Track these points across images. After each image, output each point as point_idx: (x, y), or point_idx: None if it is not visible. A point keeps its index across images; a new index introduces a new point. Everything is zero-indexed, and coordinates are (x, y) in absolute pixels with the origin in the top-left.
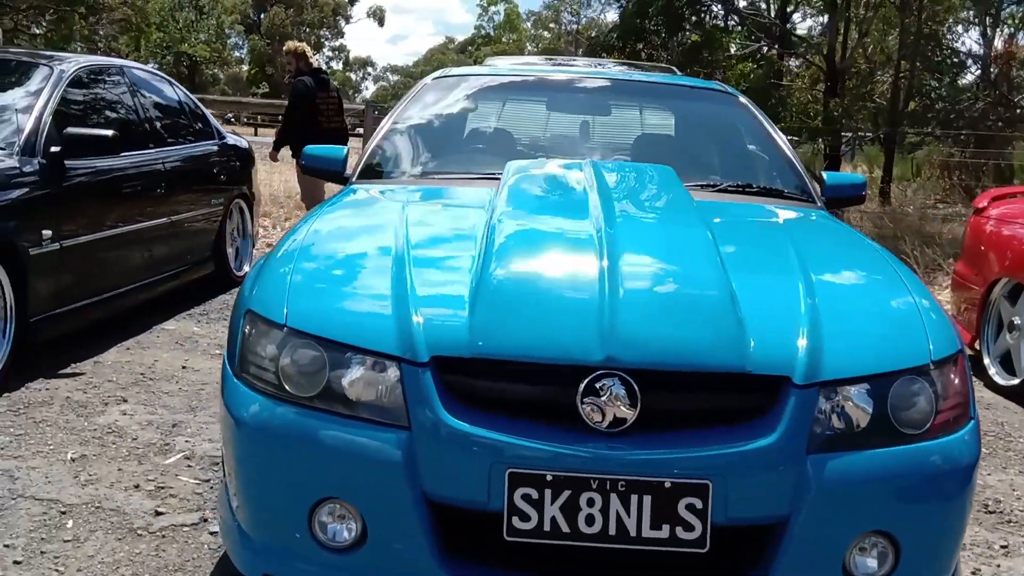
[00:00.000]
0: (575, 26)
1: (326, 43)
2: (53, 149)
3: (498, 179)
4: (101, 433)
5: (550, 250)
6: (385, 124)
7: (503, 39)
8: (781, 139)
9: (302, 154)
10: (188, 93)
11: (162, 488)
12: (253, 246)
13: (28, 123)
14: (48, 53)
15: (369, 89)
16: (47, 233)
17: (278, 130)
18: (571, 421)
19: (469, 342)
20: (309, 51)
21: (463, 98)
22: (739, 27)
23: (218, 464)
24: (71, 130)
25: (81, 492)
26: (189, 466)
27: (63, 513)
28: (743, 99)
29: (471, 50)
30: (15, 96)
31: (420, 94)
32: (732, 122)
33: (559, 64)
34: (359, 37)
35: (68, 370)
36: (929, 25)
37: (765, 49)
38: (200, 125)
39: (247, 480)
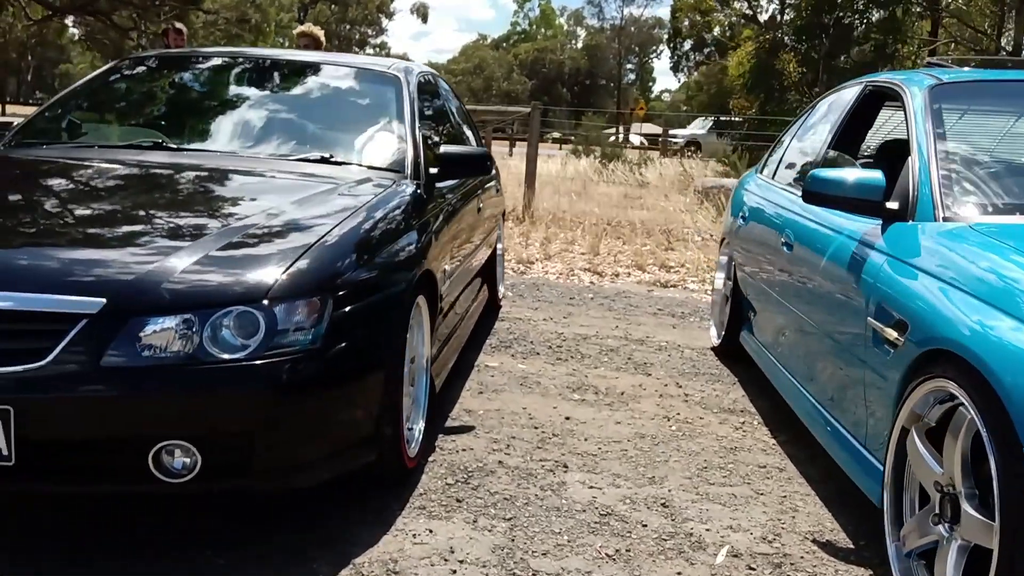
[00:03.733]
0: (615, 22)
1: (369, 40)
2: (431, 171)
3: None
4: (596, 516)
5: None
6: (929, 144)
7: (539, 35)
8: None
9: (810, 179)
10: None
11: None
12: (503, 266)
13: (407, 143)
14: (372, 58)
15: None
16: (447, 268)
17: None
18: None
19: None
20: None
21: (995, 110)
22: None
23: (778, 567)
24: (447, 149)
25: None
26: (751, 568)
27: None
28: None
29: (506, 46)
30: (373, 109)
31: (935, 106)
32: None
33: None
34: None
35: (452, 423)
36: None
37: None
38: (473, 134)
39: None
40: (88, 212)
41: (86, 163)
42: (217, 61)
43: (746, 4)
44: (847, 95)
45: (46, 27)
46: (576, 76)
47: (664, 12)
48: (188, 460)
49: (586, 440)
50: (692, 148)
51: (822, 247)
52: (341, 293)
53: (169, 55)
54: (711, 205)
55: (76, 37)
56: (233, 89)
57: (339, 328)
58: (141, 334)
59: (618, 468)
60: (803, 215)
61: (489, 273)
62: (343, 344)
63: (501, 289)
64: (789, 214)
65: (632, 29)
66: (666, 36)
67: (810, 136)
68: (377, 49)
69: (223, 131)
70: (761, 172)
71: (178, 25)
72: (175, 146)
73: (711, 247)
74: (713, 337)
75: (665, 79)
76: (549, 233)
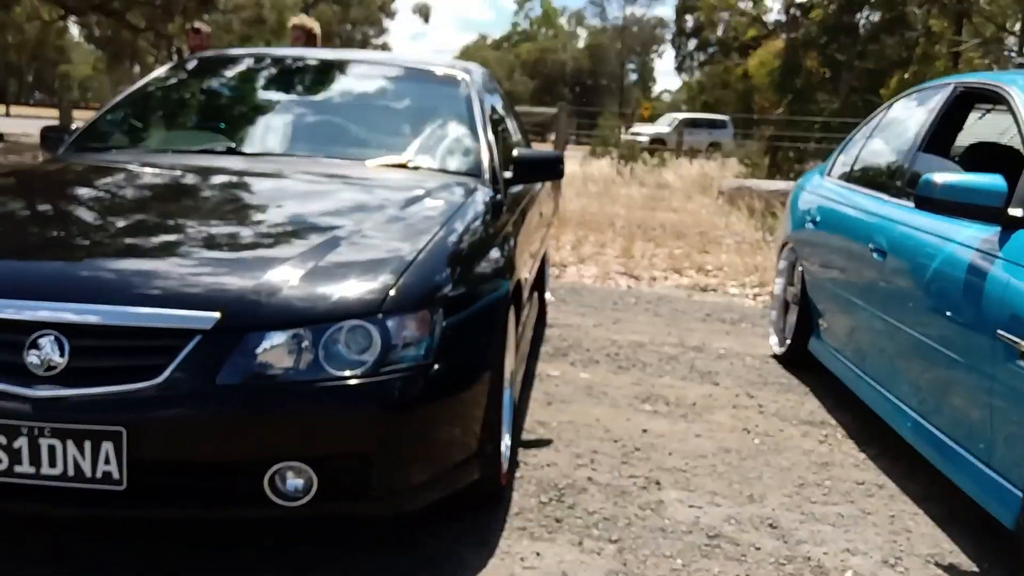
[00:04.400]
0: (617, 22)
1: (371, 40)
2: (506, 175)
3: None
4: (704, 538)
5: None
6: None
7: (539, 35)
8: None
9: (923, 184)
10: None
11: None
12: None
13: (482, 146)
14: (436, 59)
15: None
16: (526, 275)
17: None
18: None
19: None
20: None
21: None
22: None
23: None
24: (521, 152)
25: None
26: None
27: None
28: None
29: (507, 46)
30: (443, 112)
31: None
32: None
33: None
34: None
35: (528, 436)
36: None
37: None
38: (522, 134)
39: None
40: (181, 221)
41: (163, 169)
42: (278, 62)
43: (751, 4)
44: (931, 96)
45: (48, 27)
46: (578, 76)
47: (665, 11)
48: (304, 482)
49: (670, 455)
50: (656, 146)
51: (928, 255)
52: (449, 305)
53: (229, 56)
54: (743, 206)
55: (77, 38)
56: (298, 91)
57: (448, 342)
58: (257, 350)
59: (712, 485)
60: (899, 221)
61: (540, 278)
62: (452, 358)
63: (547, 294)
64: (878, 220)
65: (634, 29)
66: (670, 36)
67: (888, 138)
68: (379, 49)
69: (293, 135)
70: (828, 174)
71: (197, 25)
72: (248, 151)
73: (746, 250)
74: (774, 345)
75: (664, 79)
76: (579, 235)
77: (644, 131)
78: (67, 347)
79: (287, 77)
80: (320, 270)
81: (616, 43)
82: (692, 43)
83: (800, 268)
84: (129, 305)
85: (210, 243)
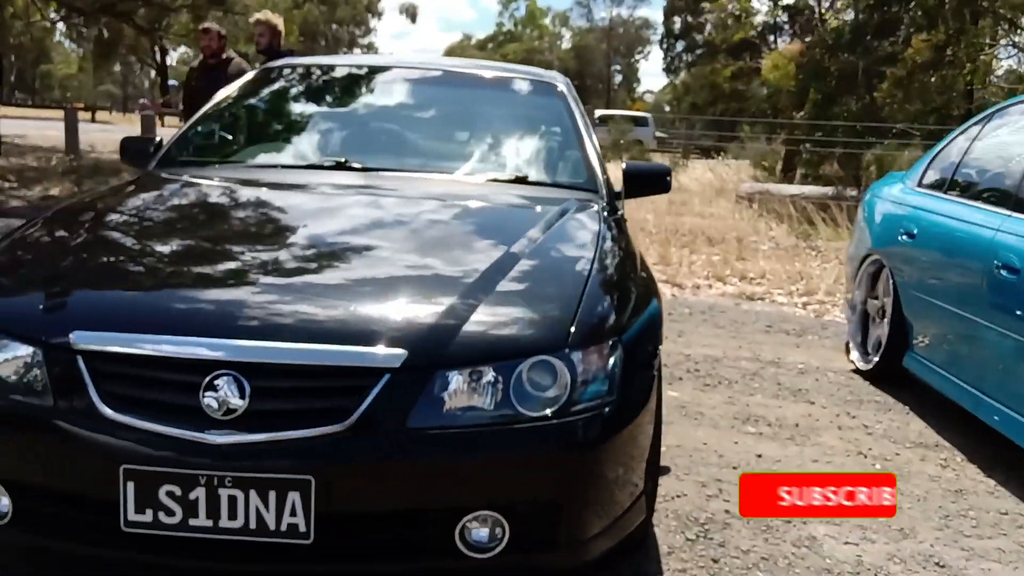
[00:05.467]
0: (603, 23)
1: (358, 41)
2: (616, 189)
3: None
4: None
5: None
6: None
7: (524, 35)
8: None
9: None
10: None
11: None
12: None
13: (593, 159)
14: (527, 67)
15: None
16: None
17: None
18: None
19: None
20: None
21: None
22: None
23: None
24: (632, 165)
25: None
26: None
27: None
28: None
29: (491, 47)
30: (547, 123)
31: None
32: None
33: None
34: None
35: None
36: None
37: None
38: None
39: None
40: (331, 245)
41: (286, 189)
42: (373, 72)
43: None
44: None
45: (33, 27)
46: (565, 77)
47: (650, 12)
48: (495, 532)
49: None
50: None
51: None
52: (623, 335)
53: (317, 66)
54: (771, 210)
55: (58, 37)
56: (399, 102)
57: (626, 375)
58: (447, 390)
59: (856, 518)
60: None
61: None
62: (628, 390)
63: None
64: (1005, 235)
65: (620, 30)
66: (658, 38)
67: (996, 150)
68: (365, 49)
69: (402, 149)
70: (919, 184)
71: (205, 25)
72: (357, 166)
73: (783, 256)
74: (857, 360)
75: (648, 80)
76: None
77: None
78: (247, 388)
79: (386, 87)
80: (496, 302)
81: (602, 44)
82: (680, 45)
83: (892, 282)
84: (311, 342)
85: (373, 271)
